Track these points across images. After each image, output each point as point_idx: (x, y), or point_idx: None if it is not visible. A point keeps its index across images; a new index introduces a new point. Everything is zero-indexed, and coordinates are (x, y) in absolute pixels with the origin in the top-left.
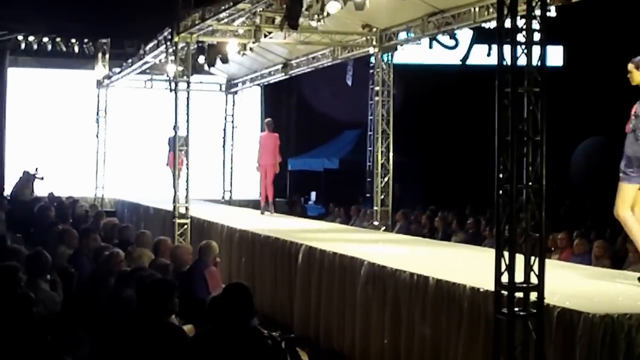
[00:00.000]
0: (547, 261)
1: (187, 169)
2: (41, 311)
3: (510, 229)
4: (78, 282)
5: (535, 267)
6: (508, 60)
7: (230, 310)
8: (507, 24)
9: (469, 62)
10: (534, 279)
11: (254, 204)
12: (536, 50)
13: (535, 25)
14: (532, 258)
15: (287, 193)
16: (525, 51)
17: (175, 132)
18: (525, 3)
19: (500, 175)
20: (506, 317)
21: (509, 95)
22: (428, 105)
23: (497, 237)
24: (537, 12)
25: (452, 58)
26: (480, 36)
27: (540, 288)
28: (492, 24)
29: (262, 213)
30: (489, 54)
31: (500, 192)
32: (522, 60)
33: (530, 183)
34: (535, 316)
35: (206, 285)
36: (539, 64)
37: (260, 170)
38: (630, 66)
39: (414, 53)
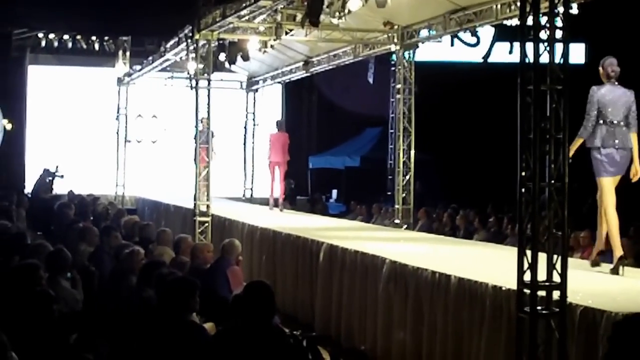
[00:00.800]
0: (570, 260)
1: (208, 166)
2: (62, 309)
3: (532, 227)
4: (99, 280)
5: (558, 266)
6: (530, 57)
7: (251, 309)
8: (530, 21)
9: (490, 59)
10: (556, 278)
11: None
12: (559, 47)
13: (558, 22)
14: (555, 256)
15: (308, 191)
16: (548, 49)
17: (207, 128)
18: (548, 0)
19: (523, 173)
20: (528, 315)
21: (532, 93)
22: (449, 103)
23: (519, 236)
24: (560, 9)
25: (474, 56)
26: (502, 34)
27: (562, 287)
28: (514, 22)
29: (271, 209)
30: (510, 52)
31: (523, 190)
32: (544, 58)
33: (553, 181)
34: (558, 315)
35: (228, 284)
36: (562, 61)
37: (270, 167)
38: None
39: (435, 50)
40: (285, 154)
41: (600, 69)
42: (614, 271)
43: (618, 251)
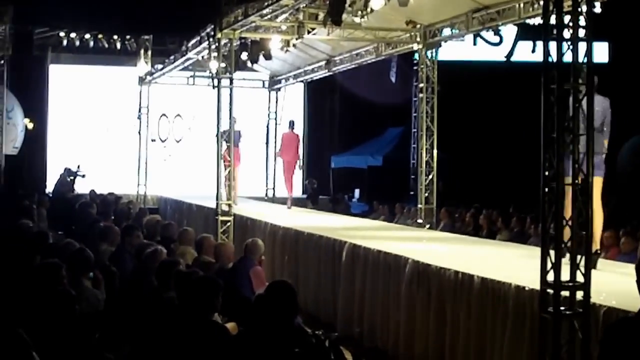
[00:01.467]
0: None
1: (230, 166)
2: (84, 309)
3: (556, 227)
4: (120, 279)
5: (582, 266)
6: (554, 56)
7: (274, 309)
8: (553, 20)
9: (513, 58)
10: (580, 278)
11: (296, 202)
12: (582, 46)
13: (581, 21)
14: (578, 256)
15: (330, 190)
16: (571, 47)
17: (231, 128)
18: None
19: (546, 173)
20: (552, 316)
21: (555, 92)
22: (472, 102)
23: (542, 235)
24: (583, 7)
25: (497, 54)
26: (525, 32)
27: (586, 287)
28: (537, 20)
29: (289, 207)
30: (533, 51)
31: (546, 189)
32: (567, 57)
33: (577, 180)
34: (582, 315)
35: (250, 284)
36: (585, 60)
37: (284, 165)
38: None
39: (458, 49)
40: (296, 153)
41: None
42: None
43: (595, 246)
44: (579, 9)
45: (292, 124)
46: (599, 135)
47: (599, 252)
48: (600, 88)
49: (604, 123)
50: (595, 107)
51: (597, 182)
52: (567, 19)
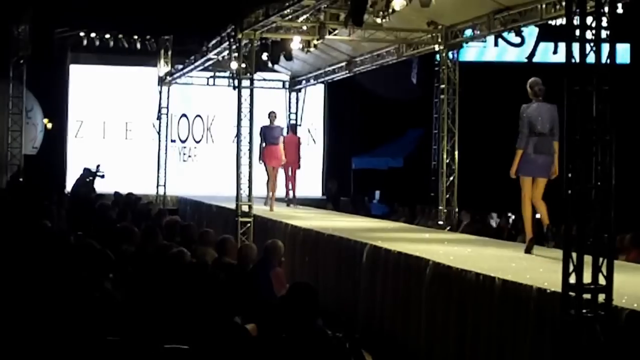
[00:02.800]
0: (615, 262)
1: (250, 166)
2: (104, 310)
3: (578, 230)
4: (141, 281)
5: (604, 269)
6: (577, 58)
7: (295, 311)
8: (576, 21)
9: (535, 59)
10: (602, 281)
11: (317, 203)
12: (605, 47)
13: (604, 22)
14: (600, 259)
15: (350, 192)
16: (594, 49)
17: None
18: (594, 0)
19: (569, 175)
20: (574, 319)
21: (578, 94)
22: (493, 103)
23: (565, 238)
24: (606, 9)
25: (518, 55)
26: (546, 33)
27: (608, 289)
28: (559, 21)
29: (289, 205)
30: (555, 52)
31: (569, 191)
32: (590, 58)
33: (599, 183)
34: (603, 318)
35: (271, 285)
36: (608, 61)
37: (284, 167)
38: None
39: (479, 50)
40: (297, 154)
41: (528, 88)
42: (527, 251)
43: (529, 235)
44: (602, 10)
45: (294, 127)
46: (550, 139)
47: (533, 240)
48: (623, 89)
49: (553, 128)
50: (544, 114)
51: (541, 183)
52: (589, 20)
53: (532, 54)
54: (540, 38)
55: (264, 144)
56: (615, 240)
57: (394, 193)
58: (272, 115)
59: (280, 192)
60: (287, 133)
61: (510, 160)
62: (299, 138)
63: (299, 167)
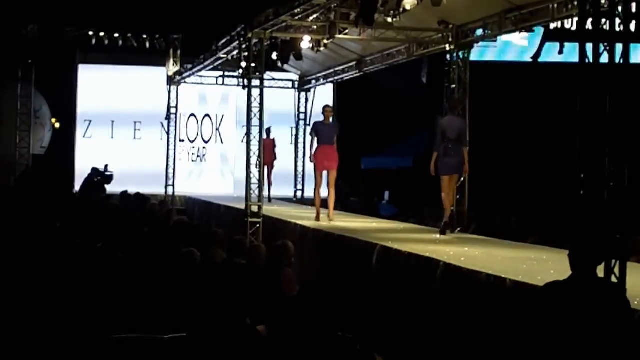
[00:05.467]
0: (628, 264)
1: (260, 166)
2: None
3: (590, 231)
4: (151, 282)
5: (616, 270)
6: (590, 58)
7: (305, 312)
8: (589, 22)
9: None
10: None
11: (325, 203)
12: (618, 47)
13: (617, 22)
14: (613, 261)
15: (360, 192)
16: (608, 49)
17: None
18: (608, 0)
19: (582, 176)
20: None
21: (591, 94)
22: (500, 104)
23: (577, 239)
24: (619, 8)
25: (519, 55)
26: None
27: None
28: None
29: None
30: (560, 52)
31: (582, 192)
32: (603, 58)
33: (612, 183)
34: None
35: (280, 286)
36: (621, 61)
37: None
38: None
39: (480, 50)
40: (272, 155)
41: (447, 103)
42: (441, 233)
43: (445, 218)
44: (616, 10)
45: (268, 131)
46: (458, 144)
47: (448, 223)
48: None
49: (461, 136)
50: (455, 125)
51: (453, 179)
52: (603, 20)
53: (538, 54)
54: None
55: (315, 144)
56: (628, 242)
57: (404, 193)
58: (327, 110)
59: (281, 192)
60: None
61: (516, 161)
62: (273, 140)
63: (273, 167)
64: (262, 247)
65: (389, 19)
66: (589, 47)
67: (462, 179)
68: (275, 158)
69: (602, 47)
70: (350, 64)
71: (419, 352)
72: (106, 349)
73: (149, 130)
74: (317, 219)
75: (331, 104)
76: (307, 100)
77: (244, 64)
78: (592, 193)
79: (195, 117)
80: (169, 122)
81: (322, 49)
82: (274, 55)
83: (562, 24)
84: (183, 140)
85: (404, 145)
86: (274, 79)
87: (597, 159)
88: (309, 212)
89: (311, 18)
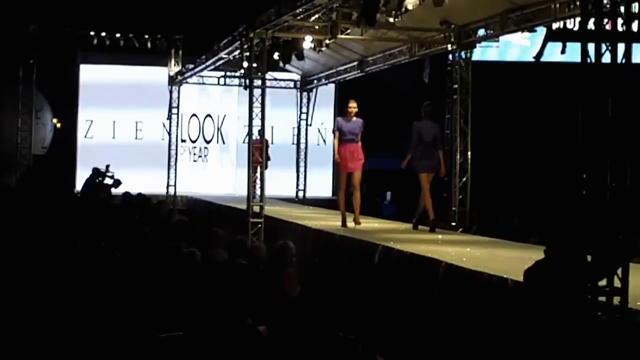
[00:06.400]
0: (631, 265)
1: (262, 167)
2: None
3: (592, 232)
4: (152, 282)
5: (619, 271)
6: (592, 58)
7: (306, 312)
8: (591, 21)
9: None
10: (617, 283)
11: (327, 203)
12: (620, 47)
13: (619, 22)
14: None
15: (361, 192)
16: (610, 48)
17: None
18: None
19: (584, 176)
20: (588, 322)
21: (593, 94)
22: (501, 104)
23: (579, 239)
24: (621, 8)
25: (520, 55)
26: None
27: (624, 292)
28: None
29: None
30: (563, 52)
31: (584, 193)
32: (606, 58)
33: (614, 184)
34: (619, 321)
35: (282, 287)
36: (624, 61)
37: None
38: None
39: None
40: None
41: (422, 112)
42: (431, 230)
43: (431, 216)
44: (618, 10)
45: (259, 133)
46: (431, 147)
47: (436, 220)
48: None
49: (436, 139)
50: (429, 129)
51: (429, 177)
52: (605, 19)
53: (540, 54)
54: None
55: (336, 142)
56: (630, 243)
57: (406, 193)
58: (350, 105)
59: (312, 193)
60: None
61: (518, 161)
62: (266, 141)
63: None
64: (262, 247)
65: (391, 19)
66: (591, 47)
67: (446, 179)
68: (269, 159)
69: (604, 47)
70: (352, 64)
71: (421, 352)
72: (107, 349)
73: (151, 130)
74: (344, 224)
75: (355, 100)
76: (309, 100)
77: (245, 64)
78: (594, 193)
79: (197, 117)
80: (170, 122)
81: (323, 49)
82: (276, 55)
83: (565, 23)
84: (185, 141)
85: (406, 146)
86: (275, 79)
87: (599, 159)
88: (311, 213)
89: (313, 18)
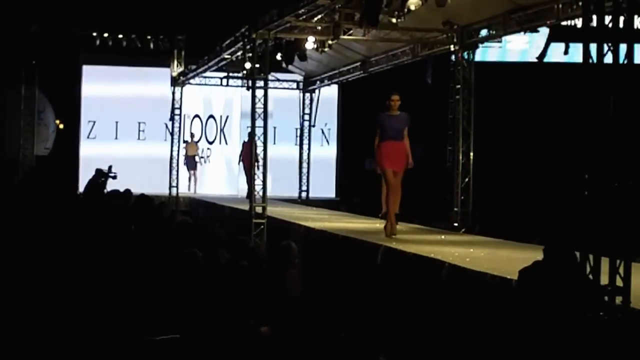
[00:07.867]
0: (633, 264)
1: (264, 167)
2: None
3: (595, 231)
4: (155, 283)
5: (621, 270)
6: (594, 58)
7: (309, 313)
8: (593, 21)
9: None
10: (619, 282)
11: (330, 204)
12: (622, 48)
13: (621, 22)
14: (618, 261)
15: (364, 193)
16: (612, 49)
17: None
18: (612, 0)
19: (586, 176)
20: (591, 321)
21: (595, 94)
22: (504, 104)
23: (582, 239)
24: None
25: (521, 56)
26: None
27: (626, 292)
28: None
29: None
30: (566, 52)
31: (586, 192)
32: (607, 58)
33: (617, 183)
34: (621, 321)
35: (284, 287)
36: (625, 61)
37: (245, 167)
38: None
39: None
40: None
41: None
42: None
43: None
44: (620, 10)
45: (249, 135)
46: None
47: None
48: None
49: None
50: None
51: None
52: (607, 19)
53: (543, 54)
54: (552, 38)
55: (377, 139)
56: (633, 242)
57: (407, 194)
58: (393, 99)
59: (315, 194)
60: (248, 140)
61: (521, 161)
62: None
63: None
64: (261, 247)
65: (394, 20)
66: (593, 47)
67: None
68: (257, 160)
69: (606, 48)
70: (355, 65)
71: (423, 353)
72: (106, 349)
73: (153, 131)
74: (387, 234)
75: (397, 93)
76: (311, 100)
77: (248, 65)
78: (597, 193)
79: (199, 118)
80: (173, 123)
81: (326, 49)
82: (278, 56)
83: (568, 24)
84: (187, 142)
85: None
86: (278, 80)
87: (601, 159)
88: (313, 213)
89: (315, 19)
